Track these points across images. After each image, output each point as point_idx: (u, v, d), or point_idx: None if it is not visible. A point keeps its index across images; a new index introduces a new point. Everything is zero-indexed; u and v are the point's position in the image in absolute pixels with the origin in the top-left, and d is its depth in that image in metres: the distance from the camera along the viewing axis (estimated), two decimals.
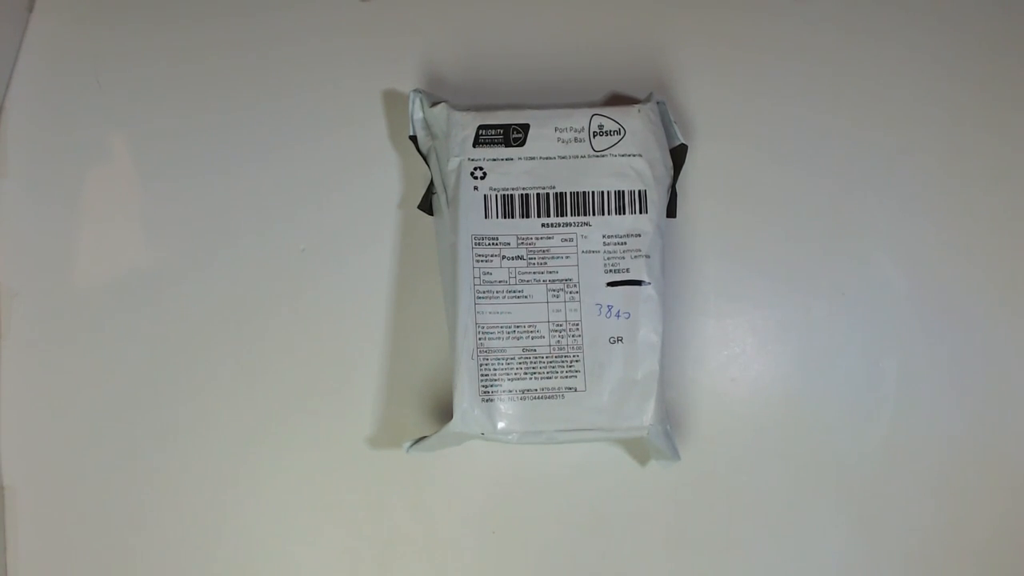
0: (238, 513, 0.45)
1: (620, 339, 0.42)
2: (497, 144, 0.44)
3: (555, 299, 0.43)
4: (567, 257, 0.43)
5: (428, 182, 0.46)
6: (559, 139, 0.44)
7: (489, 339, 0.42)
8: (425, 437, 0.42)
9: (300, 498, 0.45)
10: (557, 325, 0.43)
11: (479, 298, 0.42)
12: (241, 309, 0.46)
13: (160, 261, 0.46)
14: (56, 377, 0.46)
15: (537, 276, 0.43)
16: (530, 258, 0.43)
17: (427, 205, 0.46)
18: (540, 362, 0.42)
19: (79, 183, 0.47)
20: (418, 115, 0.45)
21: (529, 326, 0.42)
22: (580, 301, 0.43)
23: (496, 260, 0.43)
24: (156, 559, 0.45)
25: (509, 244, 0.43)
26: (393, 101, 0.48)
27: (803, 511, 0.46)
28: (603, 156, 0.44)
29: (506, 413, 0.41)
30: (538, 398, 0.42)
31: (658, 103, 0.46)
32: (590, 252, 0.43)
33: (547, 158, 0.44)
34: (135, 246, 0.46)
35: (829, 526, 0.46)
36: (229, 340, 0.46)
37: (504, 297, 0.43)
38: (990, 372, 0.47)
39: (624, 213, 0.43)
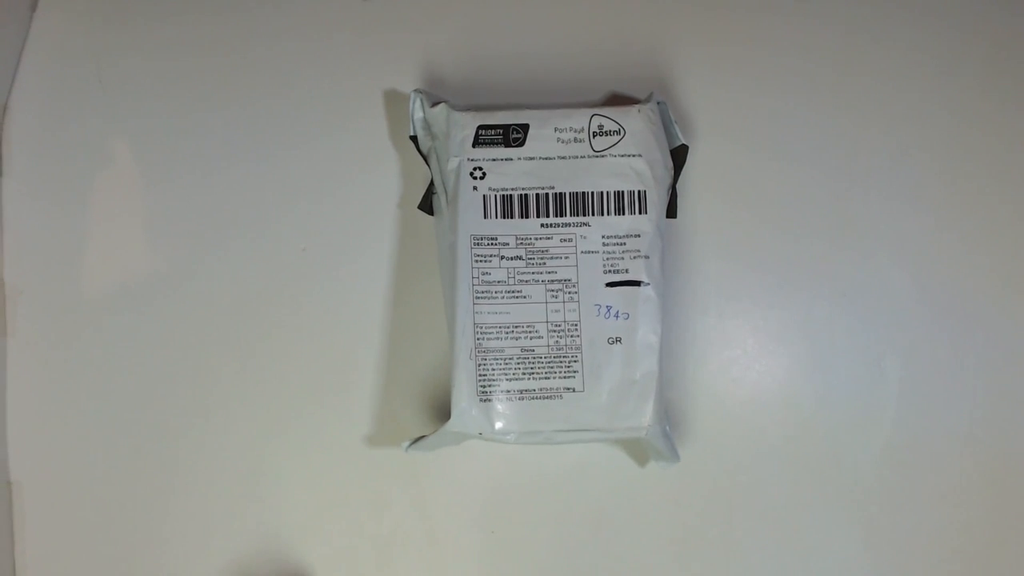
0: (238, 511, 0.46)
1: (619, 340, 0.42)
2: (497, 144, 0.44)
3: (554, 299, 0.43)
4: (566, 257, 0.43)
5: (428, 182, 0.46)
6: (559, 139, 0.44)
7: (487, 339, 0.42)
8: (424, 436, 0.42)
9: (300, 497, 0.46)
10: (556, 325, 0.43)
11: (478, 298, 0.42)
12: (242, 309, 0.46)
13: (162, 259, 0.47)
14: (61, 374, 0.46)
15: (536, 276, 0.43)
16: (529, 258, 0.43)
17: (427, 205, 0.46)
18: (538, 362, 0.42)
19: (82, 181, 0.47)
20: (418, 115, 0.45)
21: (528, 326, 0.42)
22: (579, 301, 0.43)
23: (495, 260, 0.43)
24: (160, 555, 0.45)
25: (508, 244, 0.43)
26: (393, 101, 0.48)
27: (804, 512, 0.46)
28: (603, 156, 0.44)
29: (504, 413, 0.41)
30: (536, 398, 0.42)
31: (658, 103, 0.46)
32: (589, 252, 0.43)
33: (547, 158, 0.44)
34: (137, 244, 0.47)
35: (830, 527, 0.46)
36: (230, 339, 0.46)
37: (503, 297, 0.43)
38: (993, 371, 0.47)
39: (624, 213, 0.43)
